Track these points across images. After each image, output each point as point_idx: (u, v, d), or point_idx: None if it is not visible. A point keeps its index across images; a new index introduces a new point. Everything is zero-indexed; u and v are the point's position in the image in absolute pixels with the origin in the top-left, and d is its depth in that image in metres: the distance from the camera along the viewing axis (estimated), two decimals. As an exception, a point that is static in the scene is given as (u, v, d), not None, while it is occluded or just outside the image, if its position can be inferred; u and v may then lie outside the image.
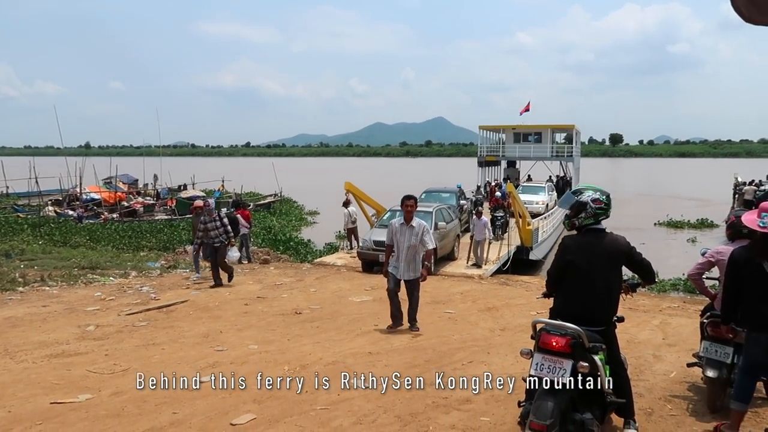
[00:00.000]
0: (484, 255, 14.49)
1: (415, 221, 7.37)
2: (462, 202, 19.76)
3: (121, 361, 5.99)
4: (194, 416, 4.54)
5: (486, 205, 21.06)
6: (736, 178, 29.25)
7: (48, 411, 4.64)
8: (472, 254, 14.55)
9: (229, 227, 10.92)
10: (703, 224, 28.17)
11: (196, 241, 11.34)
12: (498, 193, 20.50)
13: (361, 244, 14.50)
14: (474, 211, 15.78)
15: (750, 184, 27.96)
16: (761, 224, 4.07)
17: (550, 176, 35.57)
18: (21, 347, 6.43)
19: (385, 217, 14.99)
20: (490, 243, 14.88)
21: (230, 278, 10.86)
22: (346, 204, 16.75)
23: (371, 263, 13.50)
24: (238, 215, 15.22)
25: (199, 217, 11.02)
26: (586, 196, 4.22)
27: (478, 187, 29.66)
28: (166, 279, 11.37)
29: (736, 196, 28.34)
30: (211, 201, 12.81)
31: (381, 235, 12.85)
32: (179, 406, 4.74)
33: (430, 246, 7.33)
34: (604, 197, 4.17)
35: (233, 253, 11.34)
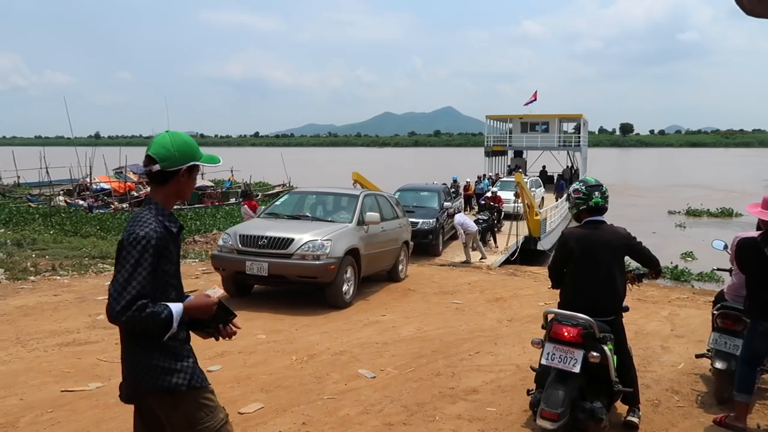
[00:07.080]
0: (470, 250, 13.40)
1: None
2: (446, 204, 16.00)
3: (130, 349, 6.03)
4: (203, 405, 4.58)
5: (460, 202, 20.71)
6: None
7: (59, 399, 4.69)
8: (475, 249, 13.75)
9: None
10: (724, 213, 27.27)
11: None
12: (479, 187, 19.81)
13: (220, 243, 8.65)
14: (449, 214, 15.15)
15: None
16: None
17: (564, 168, 35.28)
18: (32, 336, 6.49)
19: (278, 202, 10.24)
20: (471, 245, 13.60)
21: None
22: None
23: (234, 278, 8.31)
24: (245, 205, 15.29)
25: None
26: (571, 188, 4.25)
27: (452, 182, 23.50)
28: (175, 269, 11.43)
29: None
30: None
31: (256, 230, 8.26)
32: (188, 394, 4.78)
33: None
34: (583, 187, 4.14)
35: None
